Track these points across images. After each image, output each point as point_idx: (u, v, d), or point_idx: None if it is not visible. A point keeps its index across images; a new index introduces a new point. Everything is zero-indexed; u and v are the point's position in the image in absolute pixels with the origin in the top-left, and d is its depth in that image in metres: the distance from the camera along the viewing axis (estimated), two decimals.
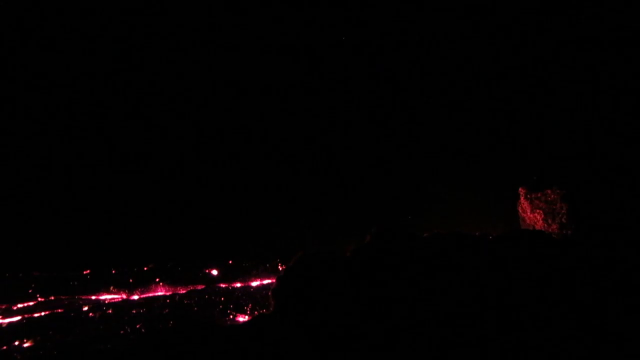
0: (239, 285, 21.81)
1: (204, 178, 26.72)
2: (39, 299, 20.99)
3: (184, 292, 21.93)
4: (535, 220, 18.50)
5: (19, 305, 20.34)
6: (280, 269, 19.75)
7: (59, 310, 19.63)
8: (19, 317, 18.84)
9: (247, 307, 18.51)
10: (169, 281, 22.58)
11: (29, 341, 15.58)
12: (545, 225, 17.95)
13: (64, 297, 21.28)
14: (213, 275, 22.94)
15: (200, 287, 22.15)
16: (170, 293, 21.91)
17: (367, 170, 25.85)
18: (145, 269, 23.11)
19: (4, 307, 20.28)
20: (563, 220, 17.28)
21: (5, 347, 15.14)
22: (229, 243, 24.68)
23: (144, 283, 22.36)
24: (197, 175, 26.76)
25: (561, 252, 15.76)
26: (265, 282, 21.25)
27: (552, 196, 17.91)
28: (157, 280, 22.55)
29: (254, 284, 21.75)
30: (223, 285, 22.07)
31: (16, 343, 15.47)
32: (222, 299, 20.17)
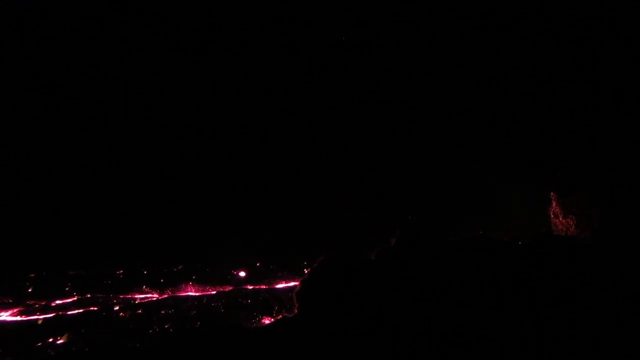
0: (264, 287, 22.08)
1: (232, 182, 27.05)
2: (75, 297, 21.75)
3: (212, 292, 22.34)
4: (568, 226, 17.93)
5: (57, 302, 21.19)
6: (305, 271, 19.84)
7: (93, 309, 20.35)
8: (53, 314, 19.64)
9: (273, 309, 18.69)
10: (198, 282, 23.03)
11: (62, 338, 16.19)
12: (578, 230, 17.39)
13: (99, 295, 22.02)
14: (240, 277, 23.27)
15: (228, 288, 22.54)
16: (200, 293, 22.35)
17: (391, 174, 25.57)
18: (175, 269, 23.64)
19: (43, 303, 21.17)
20: (597, 226, 16.67)
21: (40, 344, 15.81)
22: (256, 245, 24.91)
23: (174, 283, 22.90)
24: (225, 179, 27.11)
25: (595, 258, 15.22)
26: (291, 284, 21.39)
27: (586, 201, 17.33)
28: (187, 280, 23.05)
29: (280, 286, 21.96)
30: (250, 287, 22.40)
31: (50, 340, 16.11)
32: (249, 300, 20.47)
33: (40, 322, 18.61)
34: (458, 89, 23.48)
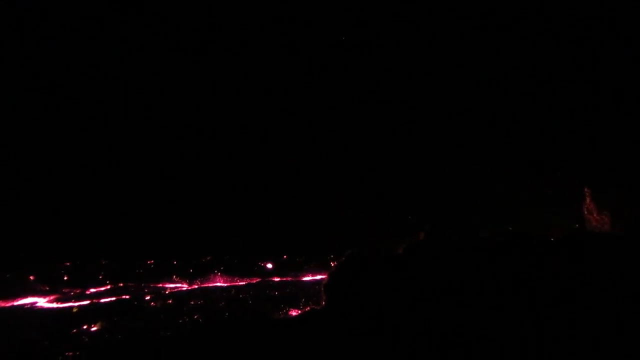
0: (291, 279, 22.27)
1: (260, 177, 27.18)
2: (108, 285, 22.40)
3: (240, 283, 22.66)
4: (603, 222, 17.38)
5: (92, 290, 21.88)
6: (332, 265, 19.82)
7: (125, 297, 20.94)
8: (87, 302, 20.28)
9: (299, 301, 18.73)
10: (226, 273, 23.38)
11: (96, 325, 16.66)
12: (613, 227, 16.83)
13: (131, 284, 22.62)
14: (268, 269, 23.52)
15: (255, 279, 22.83)
16: (228, 284, 22.69)
17: (421, 168, 25.23)
18: (203, 260, 24.06)
19: (78, 291, 21.89)
20: (632, 222, 16.12)
21: (75, 331, 16.31)
22: (283, 238, 25.05)
23: (203, 274, 23.33)
24: (254, 173, 27.27)
25: (630, 255, 14.71)
26: (317, 277, 21.47)
27: (621, 198, 16.78)
28: (215, 271, 23.42)
29: (306, 278, 22.10)
30: (277, 279, 22.64)
31: (84, 327, 16.61)
32: (276, 292, 20.64)
33: (75, 309, 19.22)
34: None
